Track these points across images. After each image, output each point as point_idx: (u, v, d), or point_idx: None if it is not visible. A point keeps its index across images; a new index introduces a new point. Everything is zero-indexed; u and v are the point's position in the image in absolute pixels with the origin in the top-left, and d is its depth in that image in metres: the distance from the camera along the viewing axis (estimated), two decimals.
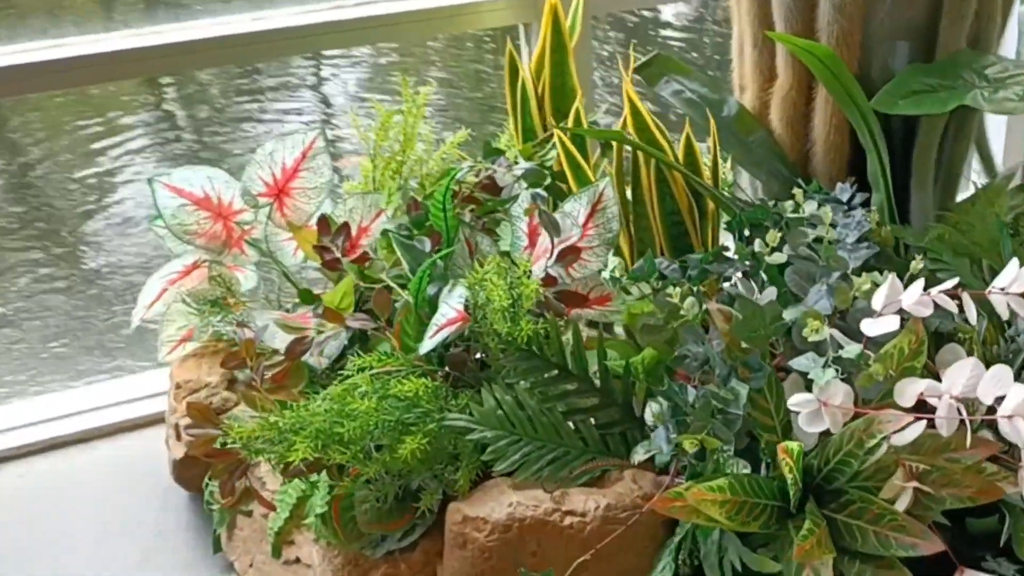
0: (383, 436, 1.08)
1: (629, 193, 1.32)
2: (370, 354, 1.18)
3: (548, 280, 1.18)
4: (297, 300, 1.56)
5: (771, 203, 1.34)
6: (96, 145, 2.50)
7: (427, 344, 1.21)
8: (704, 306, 1.06)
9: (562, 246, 1.21)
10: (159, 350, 1.55)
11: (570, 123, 1.42)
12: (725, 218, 1.33)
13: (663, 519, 1.08)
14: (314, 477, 1.17)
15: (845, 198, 1.26)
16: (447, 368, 1.22)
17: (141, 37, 1.61)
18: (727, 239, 1.32)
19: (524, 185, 1.31)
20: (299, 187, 1.57)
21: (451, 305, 1.22)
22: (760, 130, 1.43)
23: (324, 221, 1.54)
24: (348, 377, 1.20)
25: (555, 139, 1.36)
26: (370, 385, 1.11)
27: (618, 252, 1.40)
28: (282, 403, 1.13)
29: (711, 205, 1.36)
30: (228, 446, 1.11)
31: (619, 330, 1.37)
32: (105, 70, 1.60)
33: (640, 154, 1.28)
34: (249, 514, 1.30)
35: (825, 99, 1.35)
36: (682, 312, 1.06)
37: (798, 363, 1.01)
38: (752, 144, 1.42)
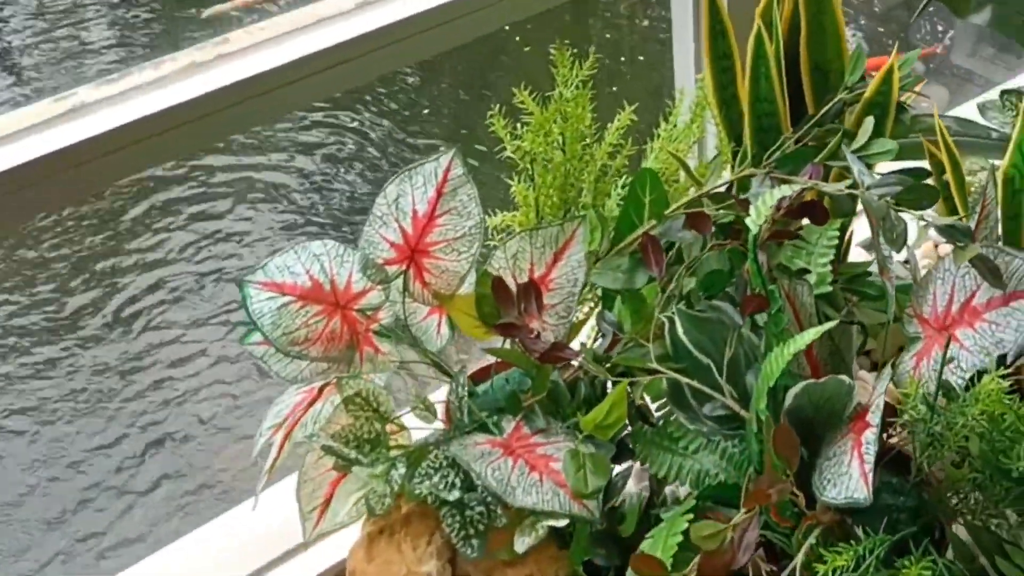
0: None
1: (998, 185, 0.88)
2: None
3: None
4: (462, 404, 1.08)
5: None
6: None
7: (859, 488, 0.77)
8: None
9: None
10: (303, 526, 1.05)
11: (872, 89, 0.96)
12: None
13: None
14: None
15: None
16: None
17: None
18: None
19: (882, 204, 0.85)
20: (440, 240, 1.07)
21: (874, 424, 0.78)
22: None
23: (501, 285, 1.06)
24: None
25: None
26: None
27: None
28: None
29: None
30: None
31: None
32: None
33: None
34: None
35: None
36: None
37: None
38: None
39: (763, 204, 0.86)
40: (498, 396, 1.12)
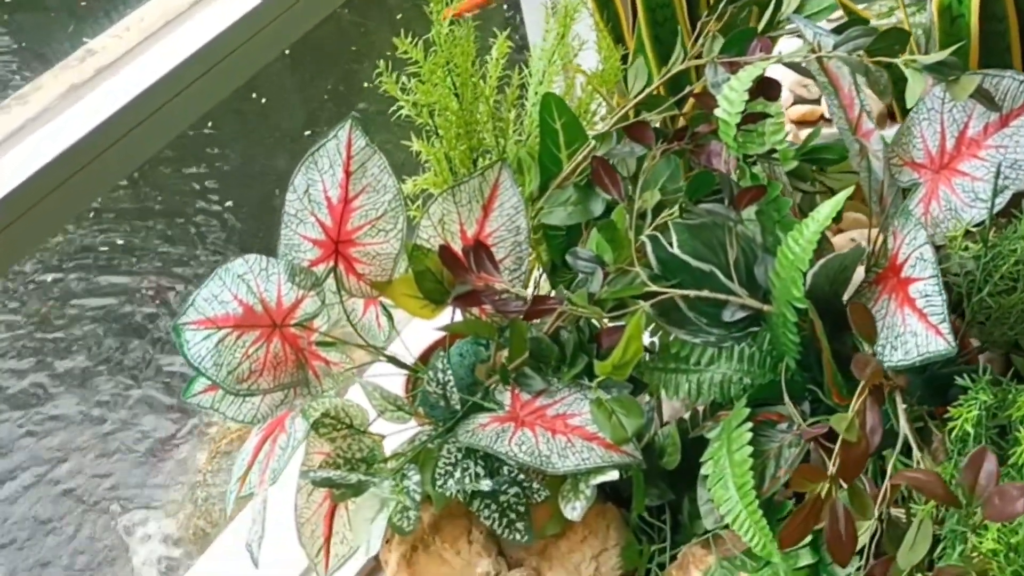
0: None
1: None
2: None
3: None
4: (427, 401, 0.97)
5: None
6: None
7: (935, 341, 0.75)
8: None
9: None
10: (315, 569, 0.92)
11: None
12: None
13: None
14: None
15: None
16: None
17: None
18: None
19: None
20: (362, 223, 0.96)
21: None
22: None
23: (449, 252, 0.96)
24: None
25: None
26: None
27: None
28: None
29: None
30: None
31: None
32: None
33: None
34: None
35: None
36: None
37: None
38: None
39: (734, 91, 0.82)
40: (460, 373, 1.04)
